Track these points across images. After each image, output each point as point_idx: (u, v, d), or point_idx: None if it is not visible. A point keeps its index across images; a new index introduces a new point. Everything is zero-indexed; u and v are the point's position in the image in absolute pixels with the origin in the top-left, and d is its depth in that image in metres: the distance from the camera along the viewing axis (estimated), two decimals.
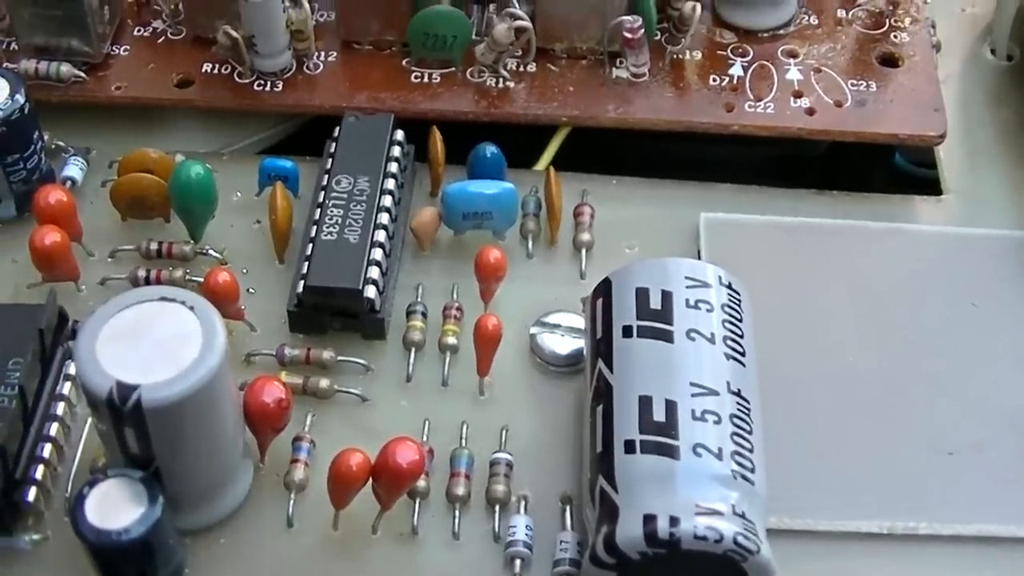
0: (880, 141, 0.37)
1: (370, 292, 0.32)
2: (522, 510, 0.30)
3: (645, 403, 0.28)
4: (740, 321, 0.30)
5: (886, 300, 0.34)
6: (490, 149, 0.35)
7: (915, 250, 0.35)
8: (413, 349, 0.33)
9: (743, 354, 0.30)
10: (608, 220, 0.36)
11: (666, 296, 0.30)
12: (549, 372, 0.33)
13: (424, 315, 0.33)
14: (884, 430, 0.32)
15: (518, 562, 0.29)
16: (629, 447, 0.28)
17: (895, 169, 0.41)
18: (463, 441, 0.31)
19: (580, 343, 0.33)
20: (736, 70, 0.38)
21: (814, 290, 0.34)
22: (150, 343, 0.28)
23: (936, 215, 0.37)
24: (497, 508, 0.30)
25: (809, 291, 0.34)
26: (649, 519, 0.27)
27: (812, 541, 0.30)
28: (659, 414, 0.28)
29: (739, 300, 0.30)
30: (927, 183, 0.38)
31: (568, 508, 0.30)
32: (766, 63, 0.38)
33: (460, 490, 0.30)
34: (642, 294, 0.30)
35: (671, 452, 0.27)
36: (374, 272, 0.33)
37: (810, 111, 0.37)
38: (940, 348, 0.33)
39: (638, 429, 0.28)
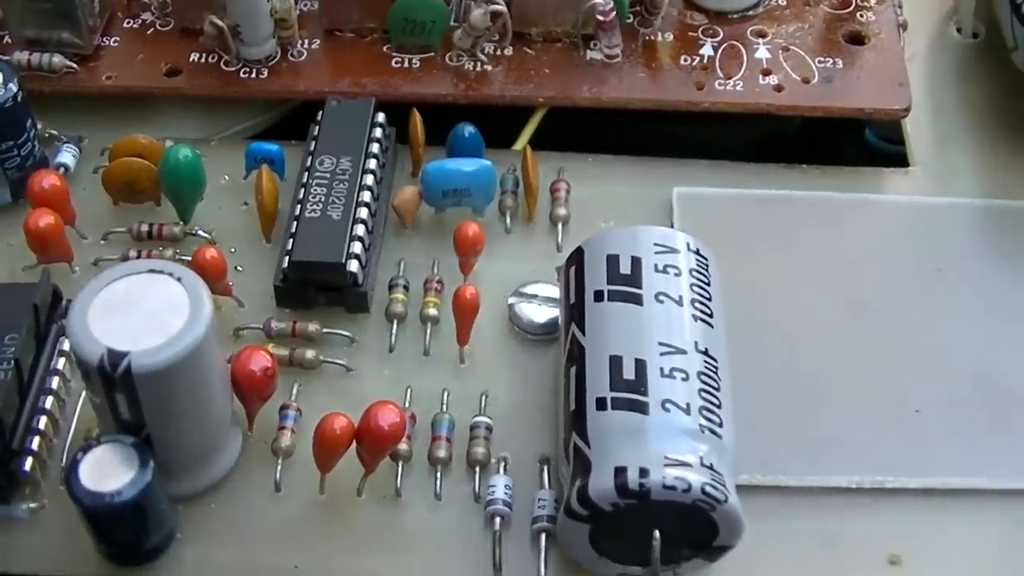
0: (847, 115, 0.38)
1: (353, 266, 0.34)
2: (502, 471, 0.31)
3: (616, 362, 0.29)
4: (708, 285, 0.31)
5: (855, 267, 0.35)
6: (468, 129, 0.37)
7: (883, 219, 0.37)
8: (395, 321, 0.34)
9: (711, 315, 0.31)
10: (584, 196, 0.37)
11: (636, 262, 0.31)
12: (527, 340, 0.34)
13: (406, 288, 0.34)
14: (854, 390, 0.33)
15: (498, 520, 0.30)
16: (600, 404, 0.29)
17: (866, 146, 0.42)
18: (444, 407, 0.32)
19: (556, 312, 0.34)
20: (706, 50, 0.39)
21: (785, 258, 0.36)
22: (139, 313, 0.29)
23: (903, 186, 0.38)
24: (477, 470, 0.31)
25: (780, 259, 0.36)
26: (620, 471, 0.28)
27: (783, 496, 0.31)
28: (629, 372, 0.29)
29: (707, 265, 0.32)
30: (898, 160, 0.39)
31: (546, 468, 0.31)
32: (736, 43, 0.39)
33: (441, 453, 0.31)
34: (612, 260, 0.31)
35: (641, 408, 0.28)
36: (356, 247, 0.34)
37: (778, 88, 0.38)
38: (907, 311, 0.34)
39: (609, 387, 0.29)
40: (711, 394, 0.29)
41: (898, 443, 0.32)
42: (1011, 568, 0.30)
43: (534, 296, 0.34)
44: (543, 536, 0.30)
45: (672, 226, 0.36)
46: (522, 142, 0.38)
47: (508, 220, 0.36)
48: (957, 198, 0.37)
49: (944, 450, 0.32)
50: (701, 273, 0.31)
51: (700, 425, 0.29)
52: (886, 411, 0.32)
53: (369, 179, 0.35)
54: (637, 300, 0.30)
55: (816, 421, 0.32)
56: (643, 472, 0.28)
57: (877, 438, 0.32)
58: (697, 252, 0.32)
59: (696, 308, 0.30)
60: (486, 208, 0.36)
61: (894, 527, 0.31)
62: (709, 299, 0.31)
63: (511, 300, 0.34)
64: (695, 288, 0.31)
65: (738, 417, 0.30)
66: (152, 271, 0.30)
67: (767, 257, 0.36)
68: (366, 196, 0.35)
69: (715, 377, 0.30)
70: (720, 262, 0.32)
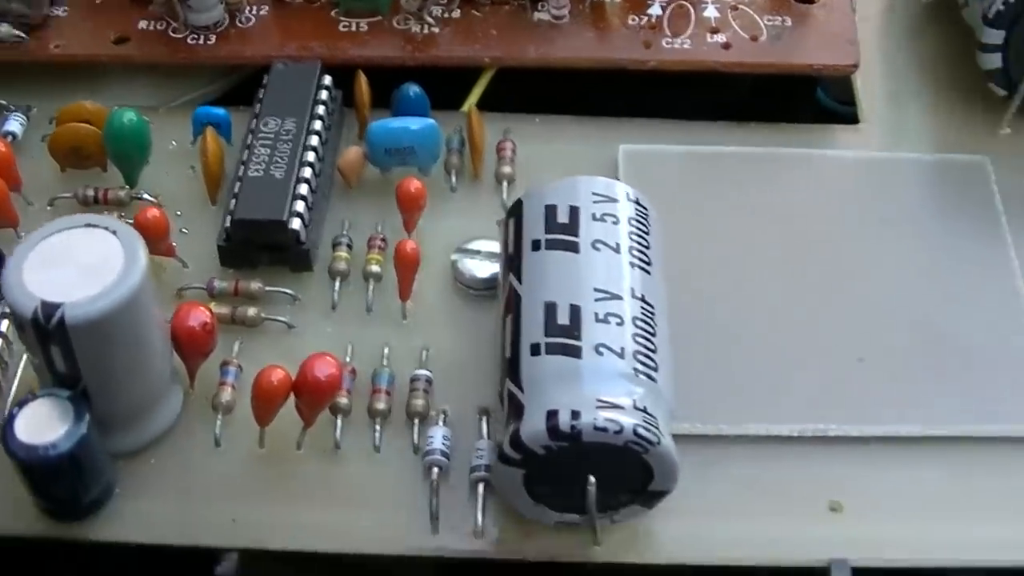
0: (795, 72, 0.38)
1: (295, 224, 0.34)
2: (440, 423, 0.31)
3: (550, 308, 0.29)
4: (647, 234, 0.31)
5: (801, 220, 0.35)
6: (413, 89, 0.36)
7: (830, 174, 0.37)
8: (338, 278, 0.34)
9: (649, 263, 0.31)
10: (530, 156, 0.37)
11: (573, 211, 0.31)
12: (469, 296, 0.34)
13: (349, 247, 0.34)
14: (797, 340, 0.33)
15: (436, 470, 0.30)
16: (535, 350, 0.29)
17: (818, 107, 0.41)
18: (384, 361, 0.32)
19: (498, 267, 0.34)
20: (655, 10, 0.39)
21: (731, 212, 0.35)
22: (75, 267, 0.29)
23: (852, 142, 0.38)
24: (416, 421, 0.31)
25: (726, 214, 0.35)
26: (552, 414, 0.28)
27: (724, 445, 0.31)
28: (563, 318, 0.29)
29: (646, 214, 0.32)
30: (850, 120, 0.39)
31: (485, 419, 0.31)
32: (684, 3, 0.39)
33: (381, 405, 0.31)
34: (551, 210, 0.31)
35: (574, 352, 0.28)
36: (299, 206, 0.34)
37: (726, 45, 0.38)
38: (852, 262, 0.34)
39: (543, 332, 0.29)
40: (647, 339, 0.29)
41: (841, 392, 0.32)
42: (949, 513, 0.30)
43: (477, 252, 0.34)
44: (480, 485, 0.30)
45: None
46: (470, 103, 0.38)
47: (454, 179, 0.36)
48: (905, 153, 0.37)
49: (886, 398, 0.32)
50: (640, 222, 0.31)
51: (634, 369, 0.28)
52: (829, 360, 0.32)
53: (314, 140, 0.35)
54: (574, 248, 0.30)
55: (759, 371, 0.32)
56: (575, 414, 0.27)
57: (820, 387, 0.32)
58: (637, 202, 0.31)
59: (634, 255, 0.30)
60: (432, 167, 0.36)
61: (834, 474, 0.31)
62: (648, 247, 0.31)
63: (454, 256, 0.34)
64: (634, 236, 0.31)
65: (679, 366, 0.30)
66: (89, 225, 0.30)
67: (713, 212, 0.35)
68: (310, 156, 0.35)
69: (651, 323, 0.29)
70: (666, 218, 0.32)
